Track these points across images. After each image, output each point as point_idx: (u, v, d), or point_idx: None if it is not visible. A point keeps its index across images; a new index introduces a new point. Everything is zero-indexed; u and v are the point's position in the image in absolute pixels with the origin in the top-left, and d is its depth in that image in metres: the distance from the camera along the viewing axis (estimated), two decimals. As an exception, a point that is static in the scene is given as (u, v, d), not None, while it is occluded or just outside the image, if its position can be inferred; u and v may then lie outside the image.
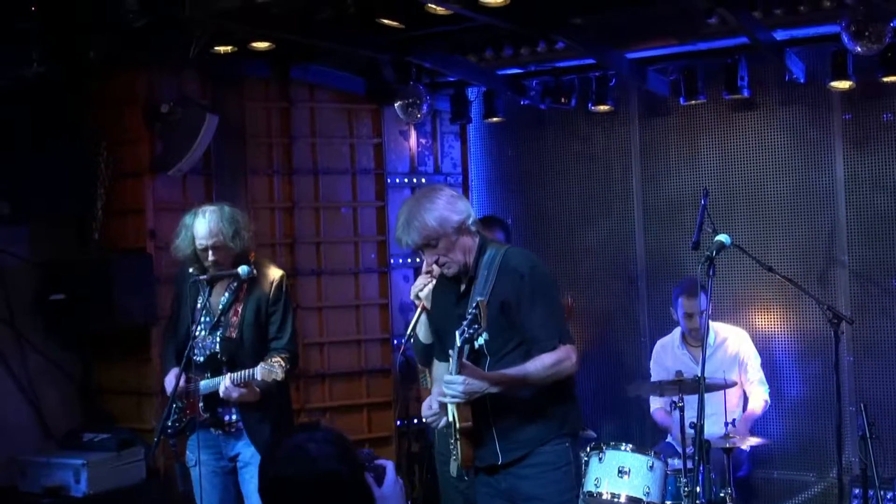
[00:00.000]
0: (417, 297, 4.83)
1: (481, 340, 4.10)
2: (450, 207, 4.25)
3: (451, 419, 4.29)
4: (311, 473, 2.66)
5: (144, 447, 6.63)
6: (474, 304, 3.97)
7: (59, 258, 6.91)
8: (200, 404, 5.28)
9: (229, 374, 5.16)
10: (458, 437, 4.27)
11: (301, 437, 2.74)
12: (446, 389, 4.11)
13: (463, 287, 4.34)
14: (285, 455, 2.72)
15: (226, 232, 5.19)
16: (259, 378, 5.03)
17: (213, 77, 7.21)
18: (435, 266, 5.10)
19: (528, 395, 4.23)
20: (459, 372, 4.07)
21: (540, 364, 4.18)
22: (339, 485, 2.67)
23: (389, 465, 2.92)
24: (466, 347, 4.09)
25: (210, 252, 5.20)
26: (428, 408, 4.46)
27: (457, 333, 4.01)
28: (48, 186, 6.64)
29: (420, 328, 4.85)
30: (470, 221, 4.29)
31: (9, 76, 6.02)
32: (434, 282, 4.66)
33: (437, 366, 4.66)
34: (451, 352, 4.11)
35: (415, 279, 7.68)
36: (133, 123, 6.94)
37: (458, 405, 4.18)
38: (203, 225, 5.20)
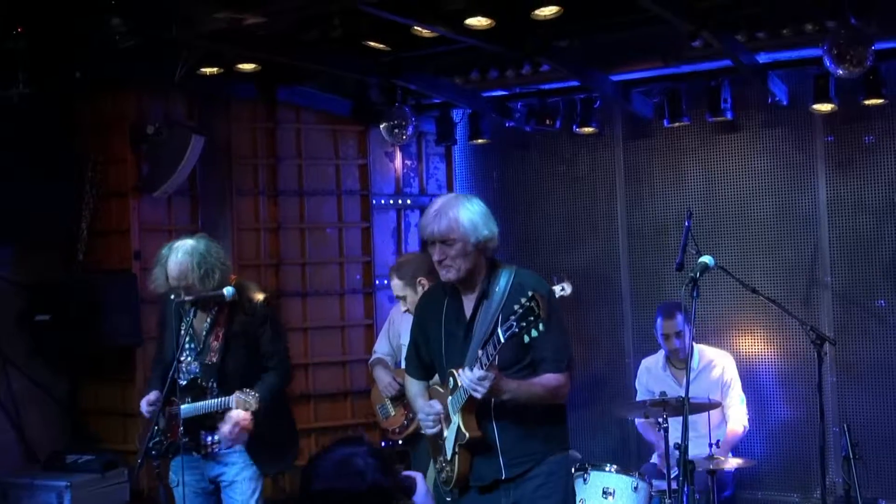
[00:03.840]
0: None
1: (535, 333, 3.88)
2: (485, 220, 4.27)
3: (454, 431, 4.22)
4: (360, 486, 2.73)
5: (128, 469, 6.61)
6: (527, 297, 3.84)
7: (44, 279, 6.90)
8: (181, 428, 5.26)
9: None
10: (456, 451, 4.23)
11: (345, 450, 2.81)
12: (475, 385, 3.99)
13: (472, 305, 4.29)
14: (332, 469, 2.78)
15: (193, 276, 5.09)
16: (234, 407, 5.03)
17: (199, 98, 7.24)
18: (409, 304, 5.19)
19: (533, 410, 4.20)
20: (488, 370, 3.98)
21: (546, 381, 4.19)
22: (384, 496, 2.77)
23: (420, 478, 2.98)
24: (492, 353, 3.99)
25: (182, 291, 5.17)
26: (429, 406, 4.33)
27: (499, 330, 3.91)
28: (33, 207, 6.62)
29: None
30: (492, 245, 4.28)
31: (-6, 97, 6.03)
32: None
33: (411, 383, 4.62)
34: (481, 351, 4.02)
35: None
36: (119, 144, 6.96)
37: (464, 416, 4.16)
38: (174, 266, 5.11)
